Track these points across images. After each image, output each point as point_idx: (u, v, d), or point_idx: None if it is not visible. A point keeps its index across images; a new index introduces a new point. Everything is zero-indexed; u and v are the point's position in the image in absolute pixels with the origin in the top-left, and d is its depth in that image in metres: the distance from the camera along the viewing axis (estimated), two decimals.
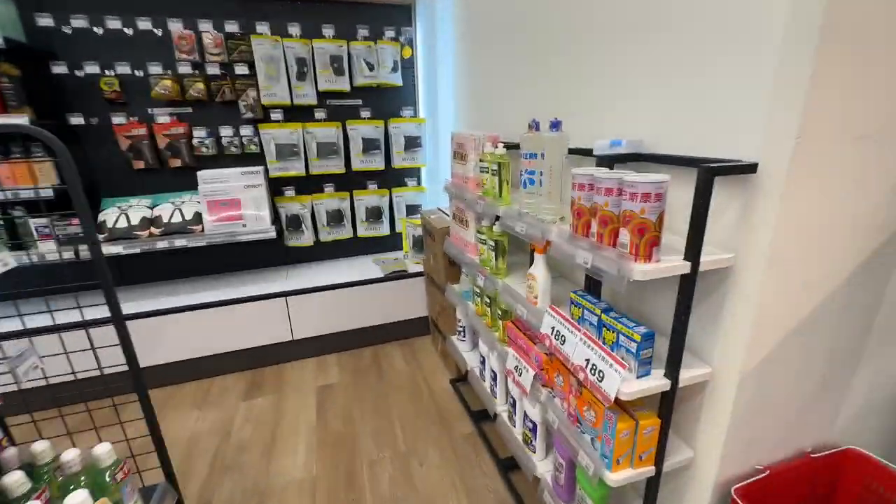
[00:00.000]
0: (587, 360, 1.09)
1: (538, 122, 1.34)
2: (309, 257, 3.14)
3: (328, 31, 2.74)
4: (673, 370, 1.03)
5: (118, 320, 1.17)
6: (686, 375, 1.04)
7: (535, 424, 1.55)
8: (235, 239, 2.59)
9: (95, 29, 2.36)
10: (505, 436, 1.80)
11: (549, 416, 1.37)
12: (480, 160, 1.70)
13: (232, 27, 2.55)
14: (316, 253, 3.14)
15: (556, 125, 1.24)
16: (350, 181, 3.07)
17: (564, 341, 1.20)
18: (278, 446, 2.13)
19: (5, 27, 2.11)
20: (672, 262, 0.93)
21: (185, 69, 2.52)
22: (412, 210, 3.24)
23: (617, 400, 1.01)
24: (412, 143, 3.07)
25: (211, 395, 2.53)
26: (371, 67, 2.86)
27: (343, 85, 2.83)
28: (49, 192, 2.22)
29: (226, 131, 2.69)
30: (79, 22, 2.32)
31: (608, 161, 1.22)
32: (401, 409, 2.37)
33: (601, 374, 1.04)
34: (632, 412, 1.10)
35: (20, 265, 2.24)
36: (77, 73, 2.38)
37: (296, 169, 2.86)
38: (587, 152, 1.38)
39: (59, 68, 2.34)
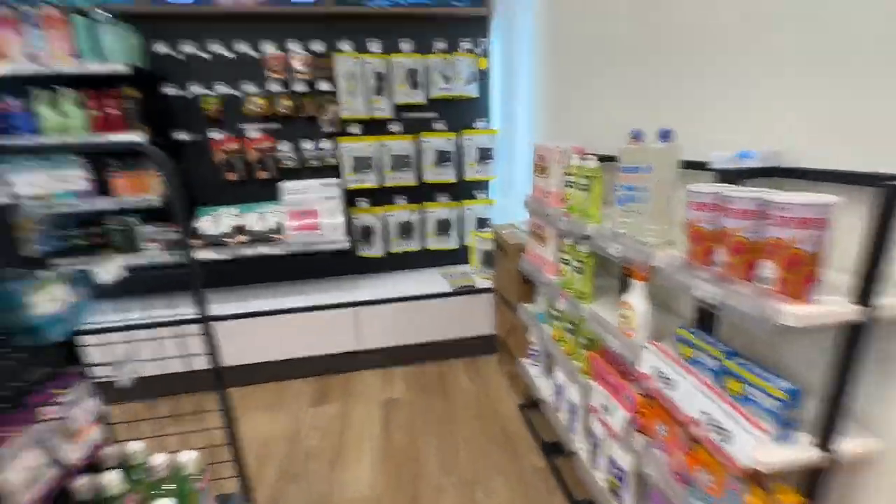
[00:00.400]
0: (706, 414, 0.92)
1: (641, 131, 1.19)
2: (378, 268, 3.17)
3: (406, 45, 2.77)
4: (827, 439, 0.82)
5: (203, 320, 1.20)
6: (846, 447, 0.83)
7: (624, 473, 1.37)
8: (312, 248, 2.67)
9: (201, 53, 2.59)
10: (583, 477, 1.62)
11: (646, 468, 1.19)
12: (566, 173, 1.57)
13: (318, 47, 2.67)
14: (386, 264, 3.16)
15: (665, 135, 1.09)
16: (421, 193, 3.06)
17: (672, 386, 1.03)
18: (344, 458, 2.12)
19: (132, 55, 2.38)
20: (836, 307, 0.74)
21: (275, 87, 2.68)
22: (481, 223, 3.15)
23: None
24: (484, 154, 3.00)
25: (282, 399, 2.61)
26: (447, 79, 2.85)
27: (419, 98, 2.84)
28: (157, 202, 2.45)
29: (307, 145, 2.81)
30: (188, 48, 2.56)
31: (731, 177, 1.04)
32: (466, 431, 2.27)
33: (726, 434, 0.86)
34: (764, 483, 0.90)
35: (134, 266, 2.49)
36: (184, 93, 2.62)
37: (370, 181, 2.91)
38: (698, 166, 1.20)
39: (170, 89, 2.59)
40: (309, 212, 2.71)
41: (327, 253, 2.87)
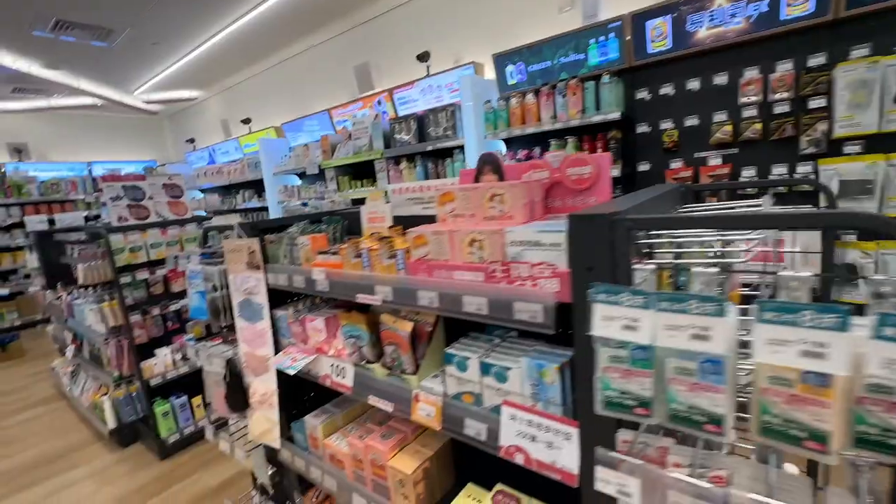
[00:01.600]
0: None
1: None
2: None
3: None
4: None
5: None
6: None
7: None
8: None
9: (674, 92, 2.87)
10: None
11: None
12: None
13: (817, 60, 2.41)
14: None
15: None
16: None
17: None
18: None
19: (619, 104, 2.93)
20: None
21: (748, 112, 2.62)
22: None
23: None
24: None
25: None
26: None
27: None
28: None
29: (778, 169, 2.60)
30: (665, 89, 2.89)
31: None
32: None
33: None
34: None
35: None
36: (649, 130, 2.99)
37: (867, 208, 2.36)
38: None
39: (641, 128, 3.02)
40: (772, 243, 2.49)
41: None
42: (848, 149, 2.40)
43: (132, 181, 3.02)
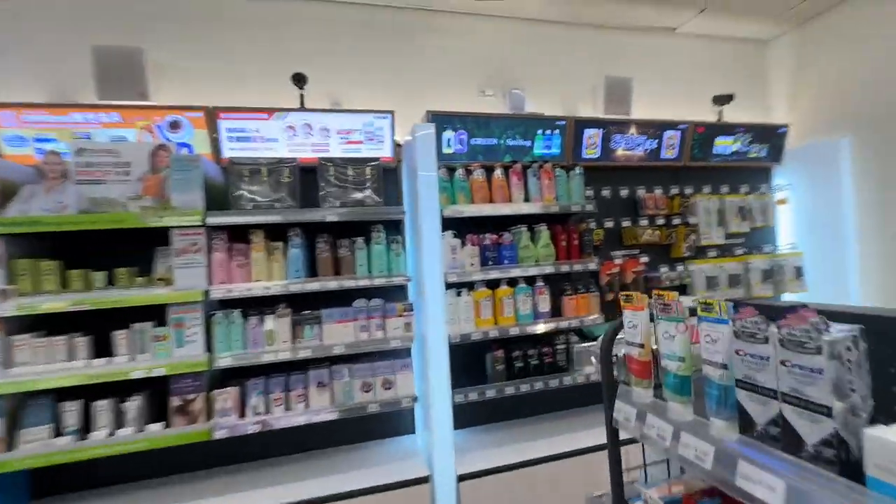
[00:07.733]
0: None
1: None
2: None
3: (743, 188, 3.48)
4: None
5: None
6: None
7: None
8: None
9: (590, 195, 3.16)
10: None
11: None
12: None
13: (674, 191, 3.36)
14: None
15: None
16: None
17: None
18: None
19: (582, 197, 2.88)
20: None
21: (643, 223, 3.25)
22: None
23: None
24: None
25: None
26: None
27: (742, 228, 3.46)
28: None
29: (664, 268, 3.29)
30: (587, 192, 3.10)
31: None
32: None
33: None
34: None
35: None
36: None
37: (717, 297, 3.31)
38: None
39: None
40: None
41: None
42: (710, 253, 3.38)
43: None
